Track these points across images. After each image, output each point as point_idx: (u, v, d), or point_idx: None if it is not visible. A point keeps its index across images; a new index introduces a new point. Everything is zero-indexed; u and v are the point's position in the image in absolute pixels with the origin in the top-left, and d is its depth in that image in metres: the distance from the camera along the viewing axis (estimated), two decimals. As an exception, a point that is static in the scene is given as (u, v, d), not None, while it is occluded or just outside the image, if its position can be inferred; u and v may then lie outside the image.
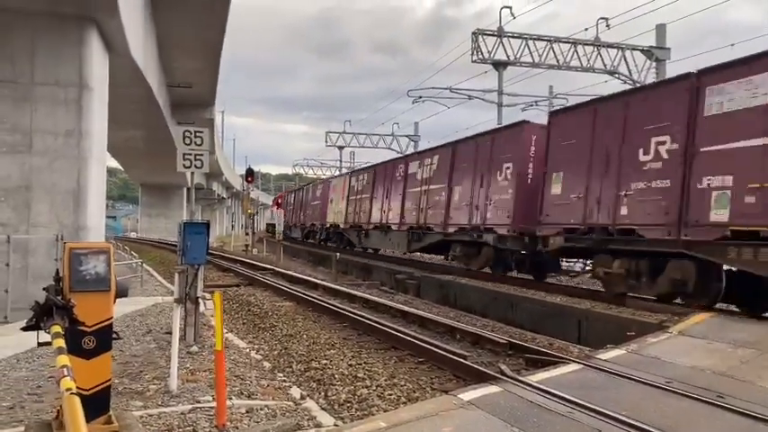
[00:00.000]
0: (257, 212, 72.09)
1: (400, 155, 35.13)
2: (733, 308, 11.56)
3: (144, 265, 21.40)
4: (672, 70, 23.61)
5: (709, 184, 10.43)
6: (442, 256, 22.16)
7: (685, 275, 11.13)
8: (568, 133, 14.14)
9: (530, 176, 15.91)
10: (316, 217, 37.70)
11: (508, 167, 16.42)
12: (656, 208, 11.46)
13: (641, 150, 11.91)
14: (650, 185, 11.68)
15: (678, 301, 11.70)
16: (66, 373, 2.65)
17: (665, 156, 11.40)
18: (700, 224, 10.49)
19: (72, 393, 2.41)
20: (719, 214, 10.17)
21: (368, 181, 27.63)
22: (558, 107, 17.17)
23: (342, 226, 30.87)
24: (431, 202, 20.61)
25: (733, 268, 10.60)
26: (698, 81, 10.92)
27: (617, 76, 25.26)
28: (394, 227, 23.64)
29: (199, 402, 5.99)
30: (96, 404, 4.32)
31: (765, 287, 10.02)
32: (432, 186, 20.69)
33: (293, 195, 47.60)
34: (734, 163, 10.05)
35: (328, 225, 34.22)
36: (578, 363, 7.31)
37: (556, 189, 14.35)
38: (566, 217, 13.89)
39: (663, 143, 11.47)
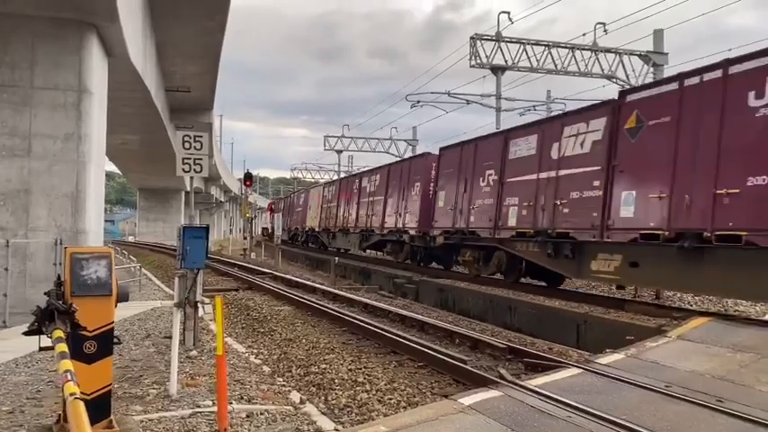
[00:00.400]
0: (255, 216, 72.08)
1: (358, 171, 39.69)
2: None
3: (142, 269, 21.39)
4: (669, 74, 23.69)
5: (509, 203, 15.91)
6: (384, 253, 27.25)
7: (501, 261, 16.75)
8: (448, 163, 19.49)
9: (430, 192, 20.95)
10: (298, 221, 42.38)
11: (417, 185, 21.90)
12: (486, 217, 16.79)
13: (481, 179, 17.29)
14: (484, 202, 17.02)
15: (499, 276, 17.28)
16: (69, 377, 2.65)
17: (491, 183, 16.74)
18: (504, 227, 15.98)
19: (76, 398, 2.42)
20: (512, 221, 15.65)
21: (334, 192, 33.12)
22: (476, 136, 19.37)
23: (317, 229, 36.38)
24: (374, 210, 26.22)
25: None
26: (507, 135, 16.51)
27: (615, 80, 25.34)
28: (351, 230, 29.18)
29: (199, 407, 5.99)
30: (97, 409, 4.33)
31: (544, 268, 15.15)
32: (374, 198, 26.38)
33: (282, 202, 53.55)
34: (519, 189, 15.51)
35: (307, 228, 39.27)
36: (578, 367, 7.32)
37: (440, 202, 19.61)
38: (445, 222, 19.10)
39: (491, 174, 16.77)
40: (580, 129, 13.57)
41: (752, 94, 9.71)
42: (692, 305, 13.43)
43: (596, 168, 12.82)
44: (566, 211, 13.69)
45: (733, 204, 9.82)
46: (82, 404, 2.38)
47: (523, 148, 15.62)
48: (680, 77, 11.24)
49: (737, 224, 9.69)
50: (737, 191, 9.72)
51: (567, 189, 13.67)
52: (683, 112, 10.89)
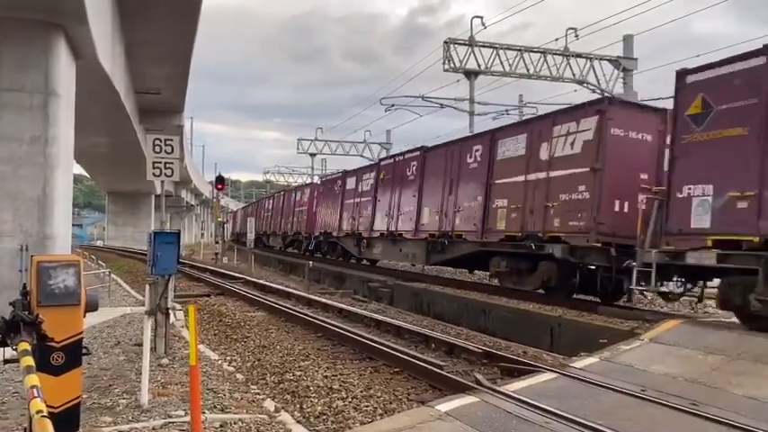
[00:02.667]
0: (227, 220, 71.35)
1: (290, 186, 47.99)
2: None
3: (111, 274, 20.98)
4: (639, 80, 24.11)
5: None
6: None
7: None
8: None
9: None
10: (269, 225, 44.34)
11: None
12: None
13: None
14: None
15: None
16: (36, 393, 2.53)
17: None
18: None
19: (43, 416, 2.31)
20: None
21: (279, 201, 39.87)
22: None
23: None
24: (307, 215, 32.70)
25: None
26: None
27: (586, 85, 25.63)
28: (303, 233, 34.06)
29: (171, 417, 5.85)
30: (65, 422, 4.18)
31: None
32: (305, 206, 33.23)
33: (250, 208, 56.93)
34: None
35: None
36: (553, 371, 7.35)
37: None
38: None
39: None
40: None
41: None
42: (662, 307, 13.62)
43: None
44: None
45: None
46: (49, 423, 2.27)
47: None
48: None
49: None
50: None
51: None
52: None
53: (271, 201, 45.64)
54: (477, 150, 17.02)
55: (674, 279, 10.76)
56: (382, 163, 24.90)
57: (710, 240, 9.52)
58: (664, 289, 10.96)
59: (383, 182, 22.93)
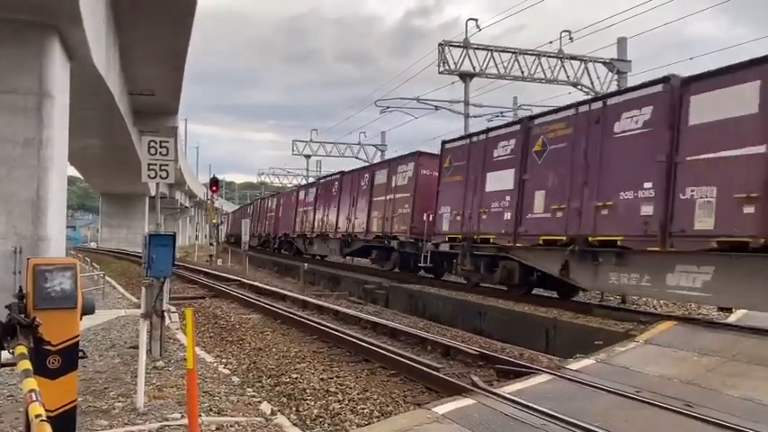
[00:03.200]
0: (222, 222, 71.20)
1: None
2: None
3: (105, 276, 20.90)
4: (632, 82, 24.17)
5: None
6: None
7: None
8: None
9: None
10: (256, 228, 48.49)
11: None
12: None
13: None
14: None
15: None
16: (34, 398, 2.52)
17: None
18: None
19: (42, 420, 2.30)
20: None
21: (275, 204, 42.74)
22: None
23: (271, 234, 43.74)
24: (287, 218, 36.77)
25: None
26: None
27: (580, 87, 25.74)
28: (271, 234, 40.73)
29: (167, 420, 5.83)
30: (62, 426, 4.15)
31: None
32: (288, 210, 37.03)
33: (239, 212, 64.41)
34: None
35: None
36: (549, 373, 7.36)
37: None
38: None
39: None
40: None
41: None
42: (656, 308, 13.67)
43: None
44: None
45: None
46: (48, 427, 2.26)
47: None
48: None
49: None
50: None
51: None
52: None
53: (251, 207, 55.90)
54: (365, 178, 25.33)
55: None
56: (321, 181, 33.67)
57: (448, 237, 17.90)
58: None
59: (318, 196, 31.42)
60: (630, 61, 24.84)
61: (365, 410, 6.72)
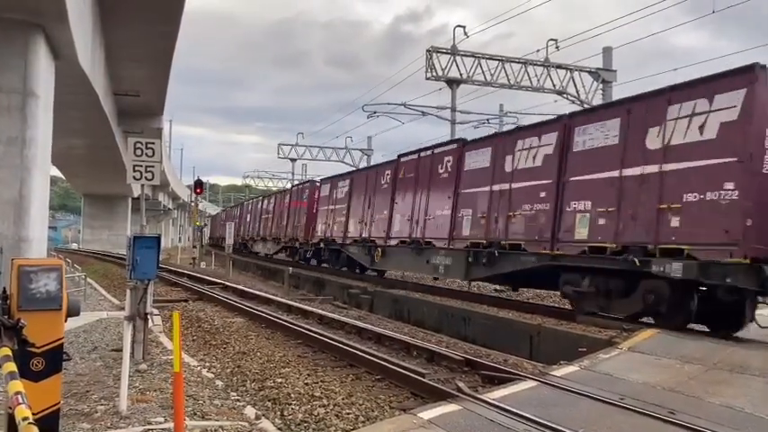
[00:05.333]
0: (205, 225, 70.77)
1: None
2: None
3: (87, 278, 20.67)
4: (618, 91, 24.48)
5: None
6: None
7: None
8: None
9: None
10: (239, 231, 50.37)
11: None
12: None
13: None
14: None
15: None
16: (21, 400, 2.49)
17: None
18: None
19: (30, 423, 2.27)
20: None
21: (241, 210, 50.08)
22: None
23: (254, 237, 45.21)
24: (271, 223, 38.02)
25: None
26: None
27: (565, 96, 25.96)
28: (267, 237, 38.83)
29: (150, 424, 5.78)
30: (44, 429, 4.09)
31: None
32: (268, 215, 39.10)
33: (221, 216, 67.84)
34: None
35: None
36: (534, 380, 7.39)
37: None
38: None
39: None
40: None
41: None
42: (639, 316, 13.78)
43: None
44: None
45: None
46: (36, 430, 2.24)
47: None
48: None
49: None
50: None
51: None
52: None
53: (223, 213, 65.54)
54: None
55: None
56: (278, 193, 40.12)
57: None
58: None
59: (276, 205, 36.65)
60: (616, 71, 25.12)
61: (350, 415, 6.70)
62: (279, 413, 6.96)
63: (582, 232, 12.44)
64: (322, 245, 27.20)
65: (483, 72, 25.72)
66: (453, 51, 25.65)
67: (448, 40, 25.95)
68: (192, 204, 45.59)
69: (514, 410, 5.87)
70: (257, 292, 19.16)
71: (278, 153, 52.01)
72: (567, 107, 25.10)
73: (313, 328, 11.86)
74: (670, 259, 10.49)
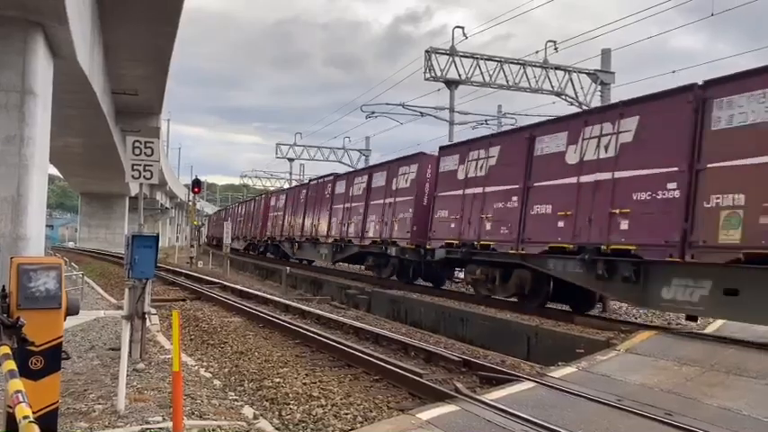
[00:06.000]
0: (203, 224, 70.69)
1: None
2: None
3: (84, 277, 20.63)
4: (616, 93, 24.52)
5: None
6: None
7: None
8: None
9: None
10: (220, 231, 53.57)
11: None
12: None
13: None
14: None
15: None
16: (21, 398, 2.49)
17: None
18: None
19: (30, 422, 2.27)
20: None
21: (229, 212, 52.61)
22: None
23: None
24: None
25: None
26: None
27: (564, 97, 25.99)
28: (239, 236, 45.69)
29: (148, 423, 5.76)
30: (43, 428, 4.09)
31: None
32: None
33: (213, 217, 73.92)
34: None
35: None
36: (532, 381, 7.40)
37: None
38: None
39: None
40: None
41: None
42: (636, 318, 13.81)
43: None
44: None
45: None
46: (37, 428, 2.24)
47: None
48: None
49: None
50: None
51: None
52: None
53: (215, 216, 71.69)
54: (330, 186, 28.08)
55: None
56: (263, 196, 43.67)
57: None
58: None
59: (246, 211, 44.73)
60: (614, 72, 25.16)
61: (348, 416, 6.70)
62: (277, 413, 6.96)
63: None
64: (269, 241, 37.48)
65: (482, 73, 25.77)
66: (452, 52, 25.66)
67: (447, 40, 25.89)
68: (190, 203, 45.55)
69: (512, 411, 5.88)
70: (255, 292, 19.15)
71: (276, 153, 52.08)
72: (565, 109, 25.15)
73: (311, 328, 11.86)
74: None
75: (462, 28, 25.67)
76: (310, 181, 31.87)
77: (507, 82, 25.81)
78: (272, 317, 13.50)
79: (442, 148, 18.41)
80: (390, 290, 18.70)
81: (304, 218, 29.52)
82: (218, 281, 23.18)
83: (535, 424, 5.54)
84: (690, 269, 10.07)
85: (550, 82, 25.91)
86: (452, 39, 25.66)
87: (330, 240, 25.23)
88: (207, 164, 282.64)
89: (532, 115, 28.39)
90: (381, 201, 21.00)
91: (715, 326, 11.89)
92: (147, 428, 5.63)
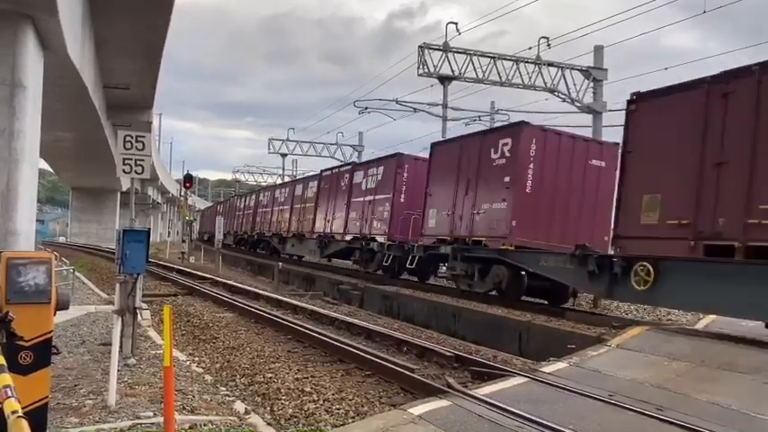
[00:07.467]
0: (195, 219, 70.40)
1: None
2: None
3: (75, 272, 20.51)
4: (608, 90, 24.55)
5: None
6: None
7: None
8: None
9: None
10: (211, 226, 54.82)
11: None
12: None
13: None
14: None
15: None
16: (9, 393, 2.47)
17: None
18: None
19: (19, 416, 2.25)
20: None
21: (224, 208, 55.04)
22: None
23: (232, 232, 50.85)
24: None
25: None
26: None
27: (556, 94, 25.98)
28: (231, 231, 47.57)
29: (139, 418, 5.74)
30: (32, 424, 4.07)
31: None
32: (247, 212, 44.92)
33: (207, 212, 74.15)
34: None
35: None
36: (524, 376, 7.42)
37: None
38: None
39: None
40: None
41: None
42: (627, 314, 13.88)
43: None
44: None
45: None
46: (26, 423, 2.22)
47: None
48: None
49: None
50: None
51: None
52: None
53: (207, 212, 72.80)
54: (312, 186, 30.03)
55: None
56: (253, 194, 44.46)
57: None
58: None
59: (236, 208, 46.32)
60: (607, 69, 25.17)
61: (340, 411, 6.70)
62: (269, 408, 6.95)
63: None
64: (257, 237, 40.03)
65: (475, 69, 25.72)
66: (445, 48, 25.62)
67: (441, 36, 25.89)
68: (182, 199, 45.43)
69: (504, 406, 5.89)
70: (247, 288, 19.11)
71: (269, 148, 51.95)
72: (557, 105, 25.16)
73: (303, 324, 11.84)
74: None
75: (456, 24, 25.65)
76: (296, 178, 37.52)
77: (500, 78, 25.79)
78: (263, 312, 13.48)
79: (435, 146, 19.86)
80: (383, 285, 18.70)
81: (291, 214, 31.86)
82: (210, 276, 23.12)
83: (526, 419, 5.55)
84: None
85: (543, 78, 25.90)
86: (446, 35, 25.65)
87: (315, 236, 27.42)
88: (199, 159, 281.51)
89: (526, 111, 28.47)
90: (362, 199, 23.28)
91: (705, 322, 11.97)
92: (138, 423, 5.60)
